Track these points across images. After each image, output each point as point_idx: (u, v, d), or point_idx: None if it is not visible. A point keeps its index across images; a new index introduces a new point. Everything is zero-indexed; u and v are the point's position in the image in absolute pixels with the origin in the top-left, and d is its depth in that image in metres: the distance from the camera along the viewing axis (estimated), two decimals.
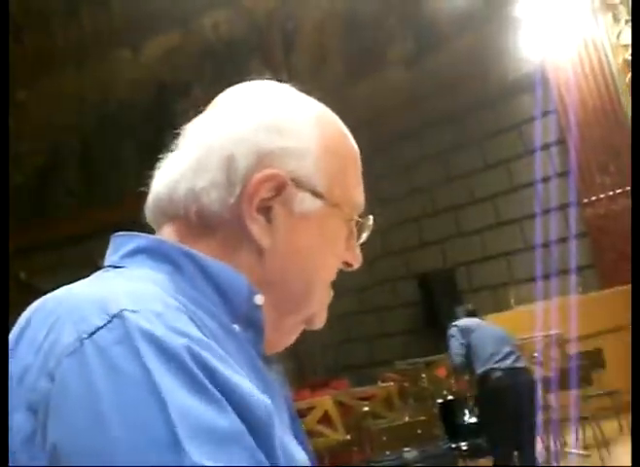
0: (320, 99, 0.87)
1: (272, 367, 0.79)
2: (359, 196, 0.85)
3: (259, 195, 0.76)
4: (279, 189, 0.77)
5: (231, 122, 0.81)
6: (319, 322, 0.84)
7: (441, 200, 9.32)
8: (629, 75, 6.97)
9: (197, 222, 0.78)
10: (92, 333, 0.64)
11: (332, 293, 0.84)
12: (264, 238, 0.77)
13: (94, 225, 8.81)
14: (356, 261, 0.85)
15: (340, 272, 0.86)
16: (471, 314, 5.02)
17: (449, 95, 8.32)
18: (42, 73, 10.85)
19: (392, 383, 6.59)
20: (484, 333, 4.80)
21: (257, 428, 0.63)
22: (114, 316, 0.65)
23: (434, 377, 6.62)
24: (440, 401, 5.96)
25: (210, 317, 0.70)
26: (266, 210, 0.77)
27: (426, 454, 4.70)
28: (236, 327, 0.73)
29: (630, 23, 6.97)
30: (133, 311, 0.65)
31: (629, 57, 6.97)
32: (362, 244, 0.84)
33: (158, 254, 0.76)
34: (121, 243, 0.78)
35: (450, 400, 6.03)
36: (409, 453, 4.69)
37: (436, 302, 9.09)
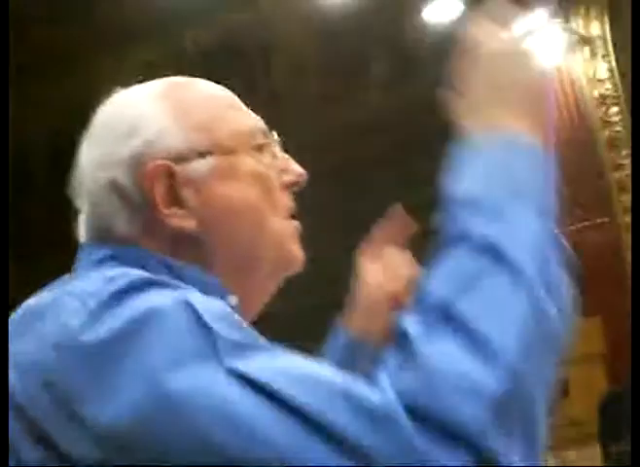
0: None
1: None
2: (248, 121, 0.82)
3: (156, 193, 0.75)
4: (169, 175, 0.76)
5: (91, 152, 0.80)
6: (295, 262, 0.82)
7: (419, 222, 9.36)
8: (603, 109, 7.06)
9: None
10: (95, 293, 0.63)
11: (297, 226, 0.83)
12: (189, 224, 0.76)
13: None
14: (296, 175, 0.83)
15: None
16: None
17: (426, 121, 8.38)
18: (20, 83, 10.76)
19: None
20: None
21: None
22: (114, 277, 0.65)
23: None
24: None
25: None
26: (175, 200, 0.76)
27: None
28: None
29: (607, 58, 7.08)
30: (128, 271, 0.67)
31: (605, 92, 7.07)
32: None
33: (129, 260, 0.74)
34: (90, 252, 0.78)
35: None
36: None
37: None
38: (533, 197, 0.66)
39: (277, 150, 0.83)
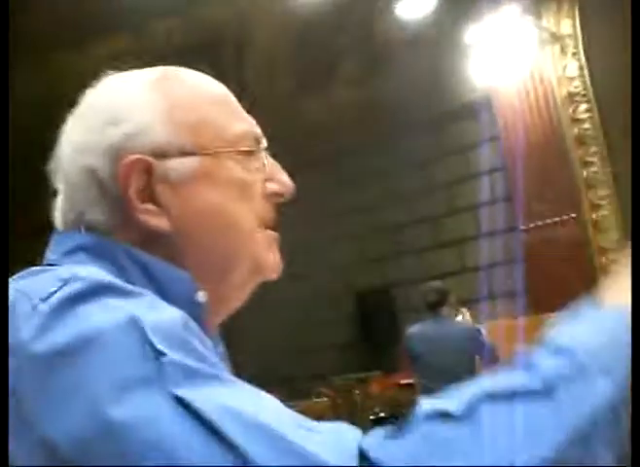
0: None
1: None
2: (239, 125, 0.80)
3: (132, 186, 0.73)
4: (148, 170, 0.74)
5: (71, 136, 0.78)
6: (270, 270, 0.80)
7: (382, 220, 9.38)
8: (572, 107, 7.13)
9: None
10: (46, 297, 0.62)
11: (276, 234, 0.80)
12: (160, 223, 0.74)
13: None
14: (283, 186, 0.81)
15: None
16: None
17: (396, 117, 8.40)
18: None
19: (325, 399, 6.59)
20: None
21: None
22: (67, 279, 0.63)
23: (367, 394, 6.64)
24: (372, 417, 5.99)
25: None
26: (150, 196, 0.74)
27: None
28: None
29: (577, 56, 7.15)
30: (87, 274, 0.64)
31: (575, 90, 7.13)
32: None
33: (98, 252, 0.73)
34: (61, 241, 0.76)
35: (382, 417, 6.06)
36: None
37: (374, 318, 9.13)
38: (619, 379, 0.63)
39: (266, 157, 0.81)
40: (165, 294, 0.71)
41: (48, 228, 0.79)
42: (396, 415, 5.96)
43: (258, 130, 0.81)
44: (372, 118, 8.78)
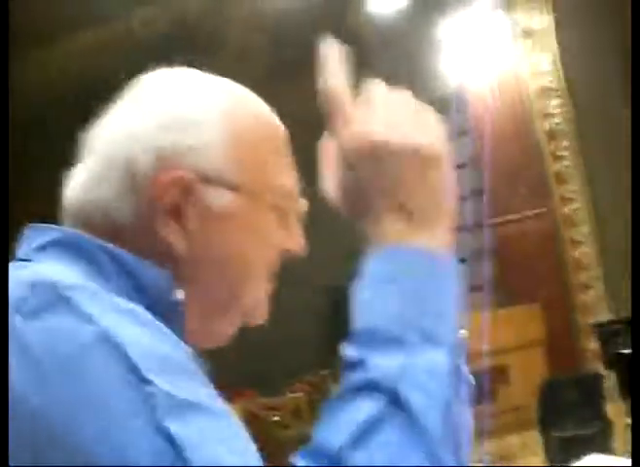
0: None
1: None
2: (285, 180, 0.79)
3: (165, 199, 0.72)
4: (187, 190, 0.72)
5: (127, 122, 0.75)
6: (259, 317, 0.80)
7: None
8: (544, 101, 7.16)
9: (109, 234, 0.73)
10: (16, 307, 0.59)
11: (271, 286, 0.80)
12: (178, 243, 0.72)
13: None
14: (296, 246, 0.80)
15: None
16: None
17: None
18: None
19: (301, 394, 6.59)
20: None
21: None
22: (35, 284, 0.61)
23: None
24: None
25: None
26: (178, 214, 0.72)
27: None
28: None
29: (551, 50, 7.18)
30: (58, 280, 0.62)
31: (547, 84, 7.17)
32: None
33: (73, 248, 0.70)
34: (34, 235, 0.73)
35: None
36: None
37: (347, 314, 9.14)
38: (437, 324, 0.62)
39: (295, 217, 0.81)
40: (143, 290, 0.69)
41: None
42: None
43: (297, 189, 0.81)
44: None
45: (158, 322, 0.62)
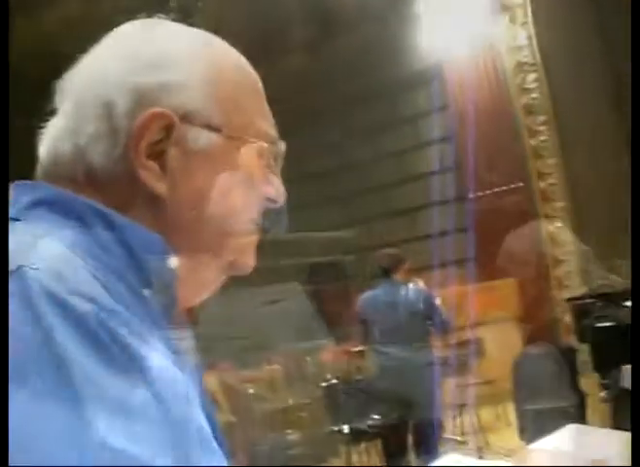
0: None
1: (183, 333, 0.72)
2: (264, 122, 0.77)
3: (145, 139, 0.69)
4: (168, 128, 0.69)
5: (103, 64, 0.72)
6: (244, 267, 0.77)
7: (332, 189, 9.39)
8: (521, 76, 7.18)
9: (86, 182, 0.70)
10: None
11: (256, 234, 0.77)
12: (159, 185, 0.69)
13: None
14: (277, 194, 0.78)
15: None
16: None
17: (346, 84, 8.38)
18: None
19: (277, 366, 6.62)
20: None
21: (169, 405, 0.56)
22: (10, 273, 0.57)
23: (318, 361, 6.68)
24: (324, 384, 6.03)
25: (118, 280, 0.62)
26: (158, 155, 0.69)
27: (308, 437, 4.74)
28: (147, 292, 0.65)
29: (526, 25, 7.19)
30: (33, 269, 0.57)
31: (524, 59, 7.18)
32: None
33: (62, 208, 0.67)
34: (20, 193, 0.69)
35: (333, 383, 6.11)
36: (292, 436, 4.73)
37: (326, 288, 9.17)
38: None
39: (274, 161, 0.78)
40: (135, 255, 0.66)
41: None
42: (347, 382, 6.02)
43: (275, 134, 0.78)
44: (321, 87, 8.75)
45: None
